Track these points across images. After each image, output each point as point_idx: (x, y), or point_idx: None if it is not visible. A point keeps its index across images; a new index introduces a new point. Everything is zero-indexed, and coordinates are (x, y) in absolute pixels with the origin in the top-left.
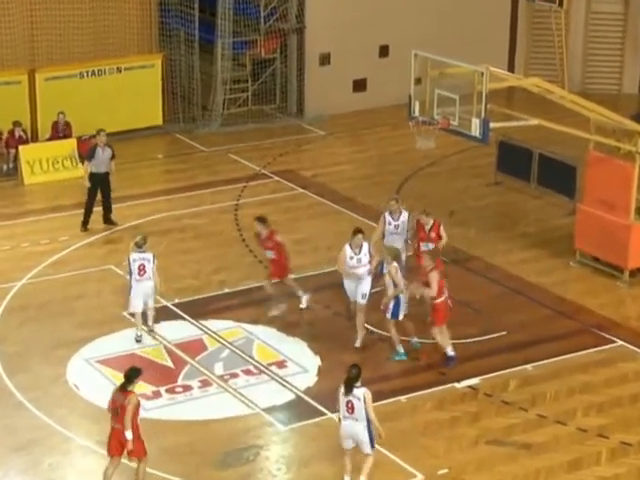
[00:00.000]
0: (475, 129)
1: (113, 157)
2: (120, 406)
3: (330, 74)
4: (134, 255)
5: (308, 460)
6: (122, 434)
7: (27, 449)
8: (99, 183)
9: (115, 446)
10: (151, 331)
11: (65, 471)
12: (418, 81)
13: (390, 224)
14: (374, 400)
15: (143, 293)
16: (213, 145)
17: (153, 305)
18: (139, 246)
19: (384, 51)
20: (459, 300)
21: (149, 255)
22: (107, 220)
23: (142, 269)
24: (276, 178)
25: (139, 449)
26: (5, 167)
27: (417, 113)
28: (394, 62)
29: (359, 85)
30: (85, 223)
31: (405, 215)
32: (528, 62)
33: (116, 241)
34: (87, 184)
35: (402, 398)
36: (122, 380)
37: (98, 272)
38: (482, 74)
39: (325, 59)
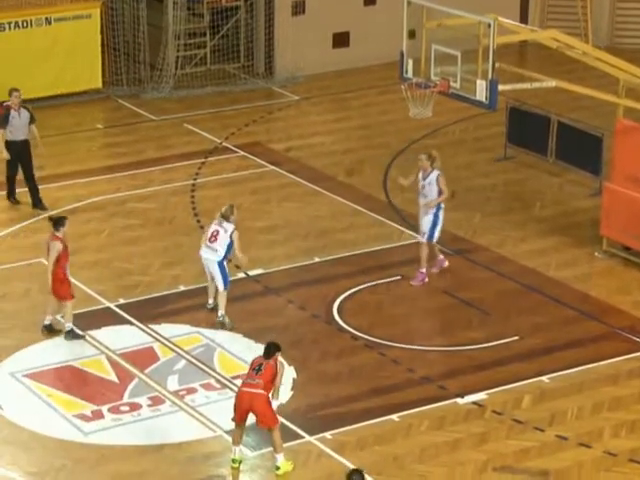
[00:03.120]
0: (480, 93)
1: (32, 121)
2: (47, 247)
3: (305, 26)
4: (215, 221)
5: None
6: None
7: None
8: (17, 154)
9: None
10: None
11: None
12: (412, 34)
13: (418, 182)
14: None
15: (206, 261)
16: (164, 113)
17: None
18: (226, 217)
19: None
20: (462, 298)
21: (230, 226)
22: (36, 203)
23: (214, 236)
24: (241, 152)
25: (60, 293)
26: None
27: (410, 74)
28: (382, 11)
29: (340, 40)
30: (11, 193)
31: (434, 175)
32: (544, 11)
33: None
34: (5, 155)
35: (394, 416)
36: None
37: (25, 267)
38: (489, 26)
39: (299, 7)
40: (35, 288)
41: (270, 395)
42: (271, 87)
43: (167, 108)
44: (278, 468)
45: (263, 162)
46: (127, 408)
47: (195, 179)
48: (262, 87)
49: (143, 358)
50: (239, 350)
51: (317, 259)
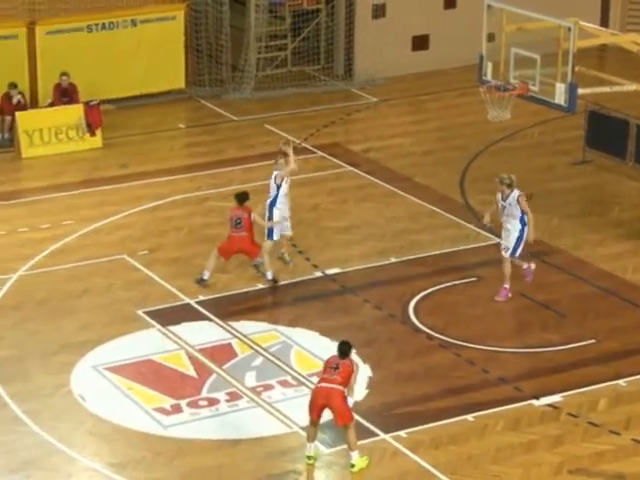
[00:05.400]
0: (559, 96)
1: None
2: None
3: (385, 29)
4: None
5: None
6: (245, 240)
7: (24, 471)
8: None
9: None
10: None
11: None
12: (491, 38)
13: (498, 203)
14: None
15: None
16: (245, 113)
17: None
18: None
19: (450, 2)
20: (538, 301)
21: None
22: None
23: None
24: (320, 153)
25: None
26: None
27: (490, 76)
28: (462, 15)
29: (420, 42)
30: None
31: (515, 194)
32: (625, 15)
33: (129, 226)
34: None
35: (469, 416)
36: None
37: (107, 263)
38: (569, 29)
39: (379, 11)
40: (117, 284)
41: (346, 393)
42: (350, 89)
43: (248, 109)
44: (353, 466)
45: (341, 163)
46: (205, 403)
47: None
48: (341, 89)
49: (221, 354)
50: (316, 348)
51: (393, 259)
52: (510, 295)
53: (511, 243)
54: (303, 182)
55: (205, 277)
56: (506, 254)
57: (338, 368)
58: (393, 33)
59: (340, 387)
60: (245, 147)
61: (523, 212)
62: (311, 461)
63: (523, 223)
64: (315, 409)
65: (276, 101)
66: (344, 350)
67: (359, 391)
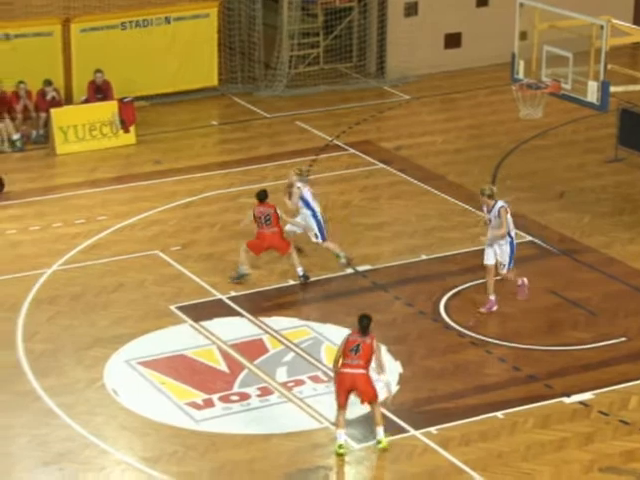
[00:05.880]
0: (592, 94)
1: None
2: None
3: (417, 27)
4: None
5: None
6: (276, 236)
7: (57, 463)
8: None
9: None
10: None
11: None
12: (523, 36)
13: (485, 217)
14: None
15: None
16: (277, 110)
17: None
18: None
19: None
20: (569, 299)
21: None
22: None
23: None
24: (351, 150)
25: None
26: (34, 133)
27: (521, 75)
28: (495, 13)
29: (452, 40)
30: None
31: (498, 206)
32: None
33: (162, 222)
34: None
35: (499, 414)
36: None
37: (140, 258)
38: (602, 27)
39: (412, 9)
40: (150, 279)
41: (376, 373)
42: (382, 86)
43: (280, 106)
44: (380, 442)
45: (373, 160)
46: (237, 398)
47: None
48: (373, 86)
49: (253, 349)
50: None
51: (424, 256)
52: (496, 307)
53: (505, 259)
54: (335, 179)
55: (246, 271)
56: (503, 270)
57: (359, 350)
58: (425, 31)
59: (364, 370)
60: (277, 144)
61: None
62: (342, 450)
63: (510, 236)
64: (342, 394)
65: (308, 98)
66: (365, 324)
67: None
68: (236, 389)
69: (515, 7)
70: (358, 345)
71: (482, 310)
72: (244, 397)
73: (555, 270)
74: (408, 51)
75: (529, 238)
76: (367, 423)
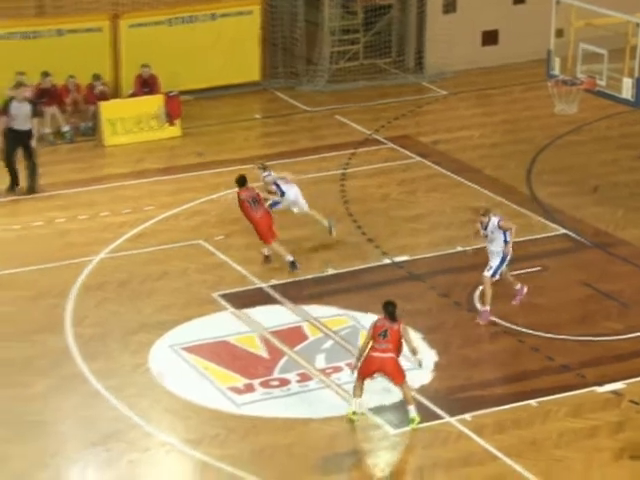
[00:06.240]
0: (627, 91)
1: (34, 114)
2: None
3: (455, 24)
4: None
5: (420, 470)
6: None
7: (104, 444)
8: (18, 141)
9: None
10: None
11: (145, 470)
12: (559, 33)
13: (481, 232)
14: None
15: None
16: (318, 105)
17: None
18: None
19: None
20: (602, 290)
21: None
22: (32, 188)
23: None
24: (389, 144)
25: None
26: (83, 126)
27: (557, 71)
28: (531, 11)
29: (489, 37)
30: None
31: (494, 221)
32: None
33: (205, 212)
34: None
35: (533, 402)
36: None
37: (184, 247)
38: (637, 25)
39: (450, 6)
40: (193, 267)
41: (411, 354)
42: (420, 82)
43: (320, 100)
44: (413, 420)
45: (410, 154)
46: (277, 383)
47: (345, 169)
48: (412, 82)
49: (293, 337)
50: None
51: (459, 248)
52: (492, 318)
53: (494, 265)
54: (374, 172)
55: (292, 258)
56: (488, 274)
57: (387, 336)
58: (463, 28)
59: (392, 355)
60: (317, 137)
61: (505, 232)
62: (356, 417)
63: (505, 242)
64: (368, 374)
65: (348, 93)
66: (390, 310)
67: (425, 375)
68: (276, 375)
69: (551, 5)
70: (386, 330)
71: (479, 321)
72: (284, 382)
73: (589, 262)
74: (446, 47)
75: (563, 231)
76: (403, 409)
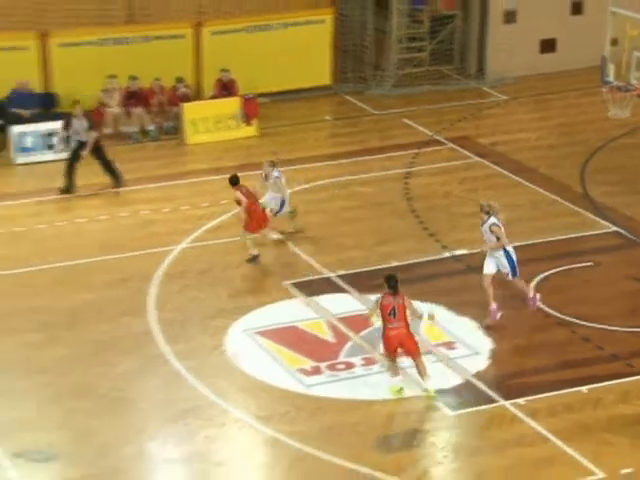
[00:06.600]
0: None
1: (90, 128)
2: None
3: (515, 33)
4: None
5: (476, 450)
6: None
7: (183, 420)
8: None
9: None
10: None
11: (221, 445)
12: (614, 42)
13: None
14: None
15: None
16: (385, 108)
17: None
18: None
19: (577, 8)
20: None
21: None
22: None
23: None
24: (451, 145)
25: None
26: (166, 125)
27: (611, 78)
28: (588, 21)
29: (547, 46)
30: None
31: (489, 222)
32: None
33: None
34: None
35: (584, 388)
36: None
37: (259, 239)
38: None
39: (510, 16)
40: (267, 257)
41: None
42: (482, 87)
43: (387, 104)
44: (427, 390)
45: (470, 154)
46: (342, 366)
47: (410, 168)
48: (473, 87)
49: (358, 323)
50: (443, 321)
51: (515, 243)
52: (500, 315)
53: (507, 267)
54: (437, 171)
55: (257, 253)
56: (508, 278)
57: (396, 314)
58: (523, 37)
59: (405, 330)
60: (384, 138)
61: (498, 239)
62: (398, 394)
63: (504, 249)
64: (392, 350)
65: (413, 97)
66: (393, 284)
67: (480, 362)
68: (342, 358)
69: (607, 15)
70: (394, 308)
71: (488, 322)
72: (349, 366)
73: (639, 259)
74: (506, 55)
75: (615, 228)
76: (462, 392)
